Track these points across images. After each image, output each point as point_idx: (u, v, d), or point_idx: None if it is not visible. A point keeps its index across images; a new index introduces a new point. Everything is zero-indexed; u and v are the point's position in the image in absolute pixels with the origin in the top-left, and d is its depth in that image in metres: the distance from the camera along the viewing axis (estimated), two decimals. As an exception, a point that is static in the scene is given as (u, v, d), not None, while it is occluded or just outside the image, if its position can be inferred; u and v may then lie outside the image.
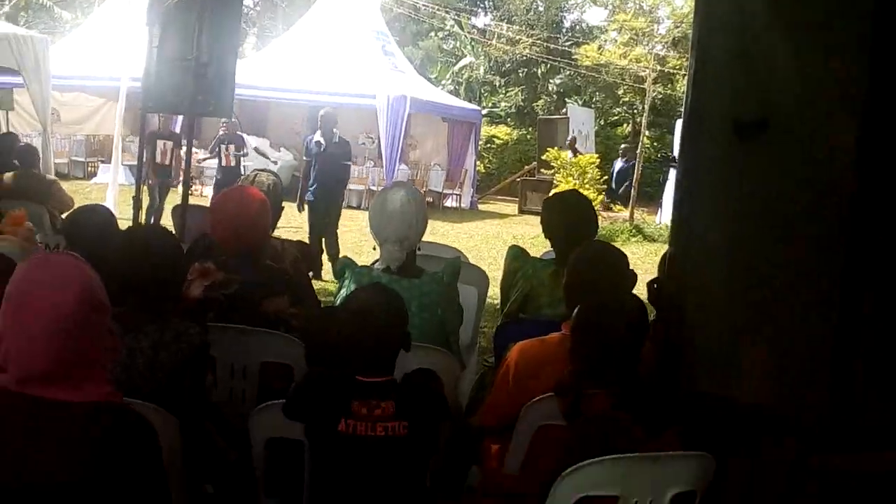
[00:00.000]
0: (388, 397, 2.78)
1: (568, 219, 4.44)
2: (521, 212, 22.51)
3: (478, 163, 24.77)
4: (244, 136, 15.96)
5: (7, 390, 2.22)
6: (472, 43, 31.38)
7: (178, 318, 3.25)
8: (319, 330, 3.25)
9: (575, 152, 20.10)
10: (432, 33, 32.26)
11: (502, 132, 29.93)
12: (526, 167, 25.40)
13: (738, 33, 3.01)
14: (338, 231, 11.59)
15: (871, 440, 2.83)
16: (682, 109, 3.46)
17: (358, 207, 20.29)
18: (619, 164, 21.61)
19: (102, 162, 21.57)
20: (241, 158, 14.74)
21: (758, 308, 2.96)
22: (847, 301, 2.76)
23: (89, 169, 22.42)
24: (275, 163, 20.04)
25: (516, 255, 4.56)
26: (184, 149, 14.51)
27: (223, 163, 14.64)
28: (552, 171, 19.00)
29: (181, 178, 15.67)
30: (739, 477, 2.94)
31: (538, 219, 4.97)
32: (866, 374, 2.81)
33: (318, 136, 11.72)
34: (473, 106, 25.77)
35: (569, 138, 21.59)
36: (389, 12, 27.64)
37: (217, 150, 14.67)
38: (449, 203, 23.02)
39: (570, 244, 4.01)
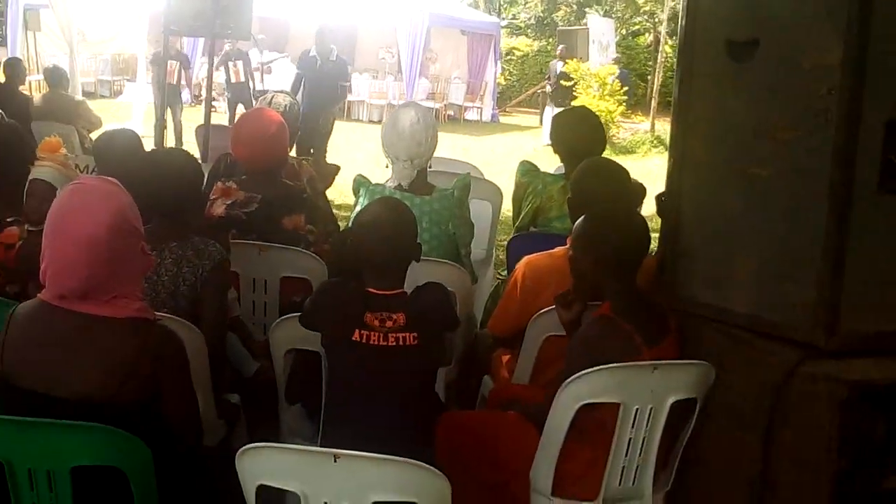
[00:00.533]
0: (398, 309, 2.90)
1: (575, 134, 4.55)
2: (543, 123, 22.47)
3: (498, 75, 24.65)
4: (260, 51, 15.94)
5: (48, 303, 2.45)
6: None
7: (199, 235, 3.42)
8: (338, 247, 3.39)
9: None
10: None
11: (523, 44, 29.68)
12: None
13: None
14: (327, 150, 11.47)
15: (863, 346, 2.95)
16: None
17: (378, 122, 20.37)
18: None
19: (128, 81, 21.80)
20: (250, 74, 14.71)
21: (749, 219, 3.07)
22: (835, 211, 2.85)
23: (115, 87, 22.73)
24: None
25: (526, 171, 4.69)
26: (195, 69, 14.83)
27: (232, 79, 14.70)
28: (572, 82, 18.89)
29: (194, 97, 15.87)
30: (735, 384, 3.07)
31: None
32: (857, 282, 2.90)
33: (314, 52, 11.48)
34: (493, 18, 25.62)
35: (559, 49, 20.97)
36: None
37: (224, 66, 14.67)
38: (470, 116, 23.04)
39: (578, 159, 4.11)
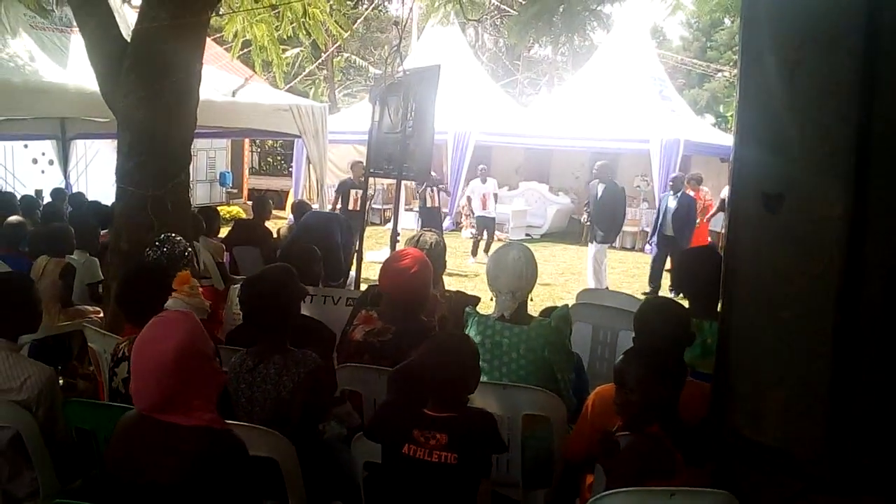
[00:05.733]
0: (443, 430, 3.34)
1: (698, 275, 4.87)
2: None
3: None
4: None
5: (138, 414, 3.02)
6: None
7: (297, 349, 3.98)
8: (403, 373, 3.84)
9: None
10: (719, 74, 31.87)
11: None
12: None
13: (768, 117, 3.37)
14: None
15: (868, 484, 3.04)
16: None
17: (631, 249, 20.71)
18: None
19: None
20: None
21: (778, 357, 3.27)
22: (839, 355, 3.03)
23: (385, 215, 24.35)
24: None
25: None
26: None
27: (428, 204, 16.66)
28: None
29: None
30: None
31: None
32: (864, 418, 3.03)
33: None
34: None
35: None
36: (671, 59, 27.74)
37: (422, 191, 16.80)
38: (726, 243, 22.73)
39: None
